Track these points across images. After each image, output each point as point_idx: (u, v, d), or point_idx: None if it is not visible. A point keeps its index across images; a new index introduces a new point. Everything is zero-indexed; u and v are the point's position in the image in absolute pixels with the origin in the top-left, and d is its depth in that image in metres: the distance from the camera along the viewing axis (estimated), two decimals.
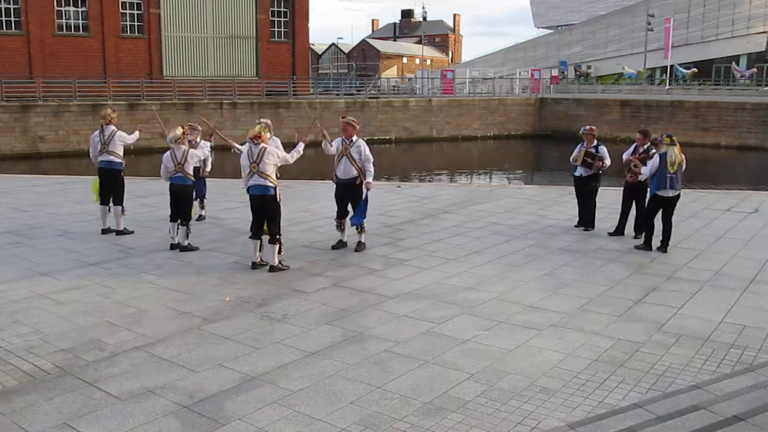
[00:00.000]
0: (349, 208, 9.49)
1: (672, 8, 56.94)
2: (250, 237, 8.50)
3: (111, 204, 10.43)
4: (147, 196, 13.82)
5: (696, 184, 18.03)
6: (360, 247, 9.43)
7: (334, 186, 9.57)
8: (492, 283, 7.87)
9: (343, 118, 9.48)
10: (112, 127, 10.41)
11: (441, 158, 34.39)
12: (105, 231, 10.37)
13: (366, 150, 9.27)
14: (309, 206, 11.88)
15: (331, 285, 7.74)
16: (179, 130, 9.48)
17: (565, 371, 5.37)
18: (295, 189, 14.23)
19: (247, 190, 8.32)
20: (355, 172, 9.26)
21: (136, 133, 10.85)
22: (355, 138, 9.31)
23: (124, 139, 10.44)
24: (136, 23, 38.31)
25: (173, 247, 9.42)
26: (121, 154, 10.47)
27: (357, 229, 9.41)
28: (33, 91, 30.51)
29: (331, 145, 9.33)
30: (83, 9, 36.58)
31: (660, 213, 9.46)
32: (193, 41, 40.47)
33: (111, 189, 10.41)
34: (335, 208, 9.62)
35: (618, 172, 10.64)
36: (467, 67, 64.03)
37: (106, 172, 10.40)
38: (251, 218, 8.47)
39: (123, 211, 10.49)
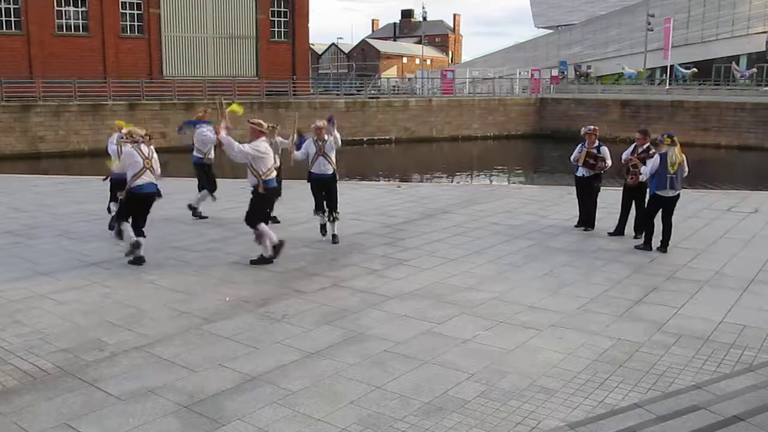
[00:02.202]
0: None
1: (672, 8, 56.90)
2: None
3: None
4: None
5: (696, 184, 18.02)
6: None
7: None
8: (492, 283, 7.87)
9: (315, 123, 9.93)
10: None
11: (441, 158, 34.37)
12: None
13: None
14: (309, 206, 11.86)
15: (331, 285, 7.74)
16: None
17: (565, 371, 5.37)
18: (296, 189, 14.20)
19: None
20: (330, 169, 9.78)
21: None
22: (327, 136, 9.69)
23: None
24: (136, 23, 38.29)
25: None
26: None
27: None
28: (33, 91, 30.50)
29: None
30: (83, 9, 36.56)
31: (660, 213, 9.46)
32: (193, 41, 40.45)
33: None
34: None
35: (618, 172, 10.64)
36: (467, 67, 64.07)
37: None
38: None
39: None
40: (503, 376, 5.26)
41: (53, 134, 29.19)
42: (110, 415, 4.60)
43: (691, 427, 4.38)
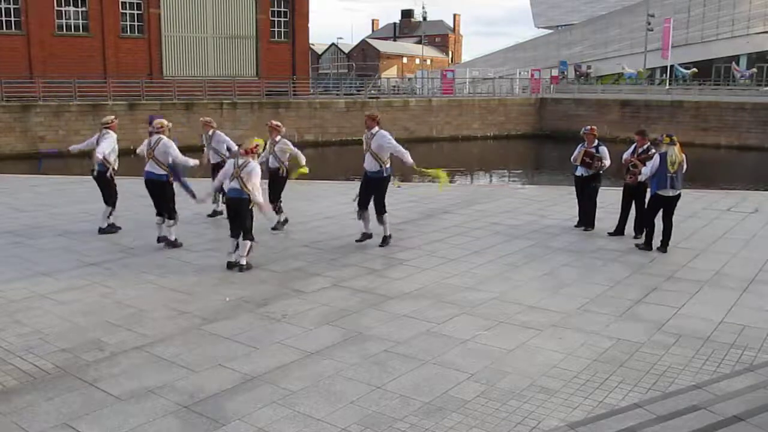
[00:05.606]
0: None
1: (672, 8, 56.93)
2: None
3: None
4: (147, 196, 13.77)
5: (696, 184, 18.01)
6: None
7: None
8: (492, 283, 7.87)
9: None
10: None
11: (441, 158, 34.35)
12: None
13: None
14: (309, 206, 11.89)
15: (331, 285, 7.74)
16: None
17: (565, 371, 5.37)
18: (295, 189, 14.22)
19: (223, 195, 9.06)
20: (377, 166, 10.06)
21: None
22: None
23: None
24: (136, 23, 38.32)
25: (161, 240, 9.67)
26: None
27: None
28: (33, 91, 30.50)
29: None
30: (83, 9, 36.59)
31: (660, 213, 9.46)
32: (193, 41, 40.48)
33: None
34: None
35: (618, 172, 10.65)
36: (467, 67, 64.09)
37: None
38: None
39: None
40: (503, 376, 5.26)
41: (53, 134, 29.17)
42: (110, 415, 4.60)
43: (691, 427, 4.38)
